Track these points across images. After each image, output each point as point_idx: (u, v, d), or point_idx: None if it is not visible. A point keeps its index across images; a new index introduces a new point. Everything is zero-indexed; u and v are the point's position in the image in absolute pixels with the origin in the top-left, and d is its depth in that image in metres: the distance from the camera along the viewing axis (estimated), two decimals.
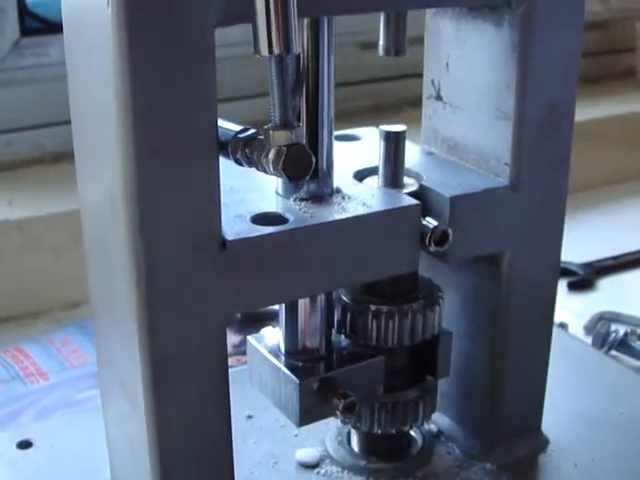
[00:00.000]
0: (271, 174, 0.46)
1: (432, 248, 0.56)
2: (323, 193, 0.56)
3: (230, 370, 0.54)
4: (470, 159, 0.62)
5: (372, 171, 0.61)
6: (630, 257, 1.14)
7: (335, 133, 0.58)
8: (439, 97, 0.63)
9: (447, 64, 0.62)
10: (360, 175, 0.61)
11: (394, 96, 1.33)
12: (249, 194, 0.56)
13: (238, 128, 0.48)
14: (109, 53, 0.45)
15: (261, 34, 0.43)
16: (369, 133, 0.68)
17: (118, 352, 0.55)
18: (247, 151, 0.47)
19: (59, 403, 0.82)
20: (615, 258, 1.14)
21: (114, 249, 0.50)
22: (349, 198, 0.56)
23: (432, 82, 0.64)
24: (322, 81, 0.55)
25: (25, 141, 1.12)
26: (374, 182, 0.60)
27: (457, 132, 0.62)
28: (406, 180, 0.60)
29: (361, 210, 0.54)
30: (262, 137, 0.47)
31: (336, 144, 0.59)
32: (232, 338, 0.90)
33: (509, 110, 0.58)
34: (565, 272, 1.07)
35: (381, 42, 0.58)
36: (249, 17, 0.44)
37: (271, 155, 0.46)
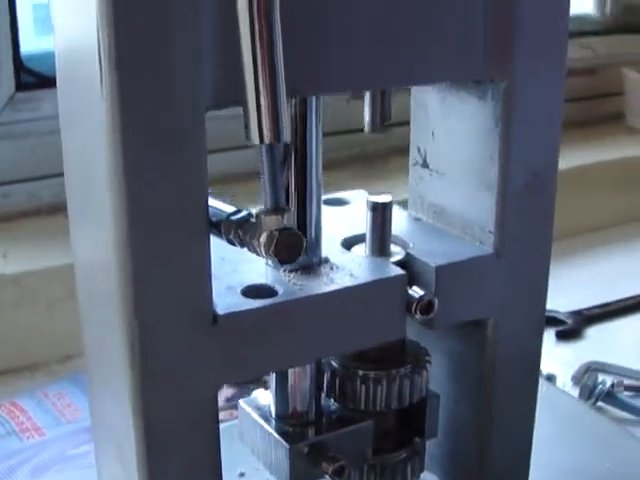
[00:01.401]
0: (263, 257, 0.48)
1: (418, 317, 0.57)
2: (312, 263, 0.58)
3: (223, 425, 0.55)
4: (456, 225, 0.63)
5: (360, 238, 0.62)
6: (619, 305, 1.16)
7: (324, 197, 0.60)
8: (425, 164, 0.65)
9: (433, 133, 0.64)
10: (348, 243, 0.62)
11: (382, 144, 1.34)
12: (240, 265, 0.57)
13: (231, 209, 0.50)
14: (102, 132, 0.46)
15: (252, 123, 0.44)
16: (357, 196, 0.69)
17: (111, 411, 0.56)
18: (240, 233, 0.49)
19: (55, 459, 0.83)
20: (603, 306, 1.15)
21: (107, 313, 0.52)
22: (337, 268, 0.57)
23: (418, 150, 0.65)
24: (310, 153, 0.56)
25: (21, 192, 1.13)
26: (362, 250, 0.61)
27: (443, 199, 0.64)
28: (393, 248, 0.62)
29: (348, 281, 0.56)
30: (254, 220, 0.48)
31: (325, 208, 0.61)
32: (225, 391, 0.91)
33: (492, 180, 0.60)
34: (554, 321, 1.09)
35: (366, 119, 0.60)
36: (240, 102, 0.46)
37: (263, 239, 0.47)
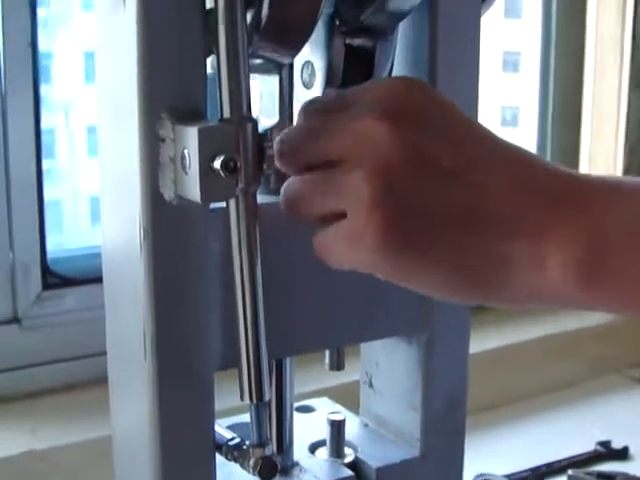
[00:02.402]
0: (250, 474, 0.70)
1: None
2: (287, 466, 0.80)
3: None
4: (393, 432, 0.86)
5: (322, 443, 0.85)
6: (547, 468, 1.37)
7: (296, 405, 0.83)
8: (371, 385, 0.88)
9: (377, 363, 0.87)
10: (313, 446, 0.84)
11: None
12: (234, 467, 0.79)
13: (229, 436, 0.72)
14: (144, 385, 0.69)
15: (244, 388, 0.66)
16: (322, 404, 0.92)
17: None
18: (235, 454, 0.71)
19: None
20: (534, 470, 1.36)
21: None
22: (305, 471, 0.80)
23: (366, 373, 0.88)
24: (285, 386, 0.79)
25: (43, 373, 1.35)
26: (324, 452, 0.84)
27: (384, 412, 0.87)
28: (346, 450, 0.84)
29: None
30: (245, 447, 0.71)
31: (297, 415, 0.83)
32: None
33: (417, 403, 0.82)
34: None
35: (327, 362, 0.83)
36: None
37: (251, 463, 0.70)
